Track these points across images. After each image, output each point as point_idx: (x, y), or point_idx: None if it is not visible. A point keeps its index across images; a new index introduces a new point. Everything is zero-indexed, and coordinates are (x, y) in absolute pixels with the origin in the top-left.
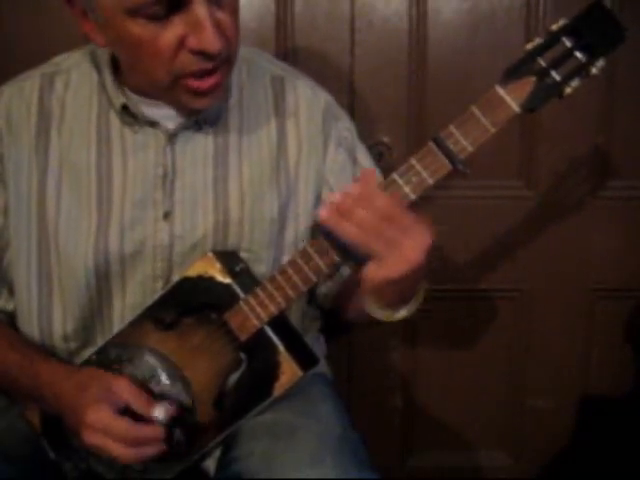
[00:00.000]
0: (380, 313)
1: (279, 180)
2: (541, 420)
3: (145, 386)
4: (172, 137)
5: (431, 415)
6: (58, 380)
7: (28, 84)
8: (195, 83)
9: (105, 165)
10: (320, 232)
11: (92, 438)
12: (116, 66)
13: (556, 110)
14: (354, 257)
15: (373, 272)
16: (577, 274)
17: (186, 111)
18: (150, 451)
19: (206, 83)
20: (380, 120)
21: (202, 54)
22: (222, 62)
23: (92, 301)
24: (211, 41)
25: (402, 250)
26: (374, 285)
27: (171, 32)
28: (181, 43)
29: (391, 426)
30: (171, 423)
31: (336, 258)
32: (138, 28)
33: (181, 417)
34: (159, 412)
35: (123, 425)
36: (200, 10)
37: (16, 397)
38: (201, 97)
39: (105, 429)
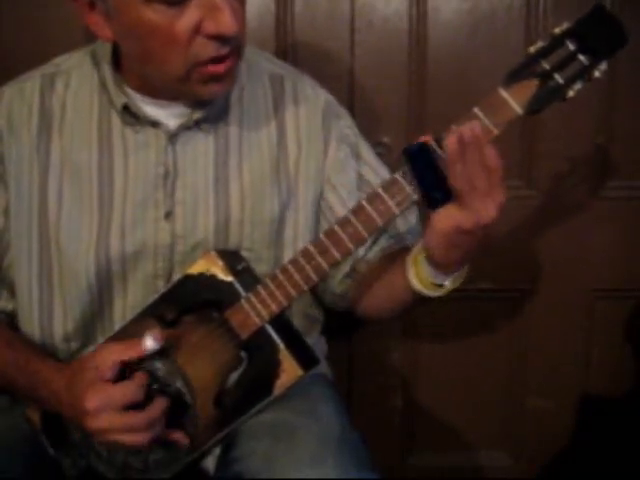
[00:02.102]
0: (428, 280)
1: (279, 179)
2: (541, 420)
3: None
4: (173, 137)
5: (431, 415)
6: (53, 379)
7: (29, 85)
8: (209, 68)
9: (106, 165)
10: (410, 157)
11: (97, 422)
12: (117, 65)
13: (556, 110)
14: (433, 194)
15: (450, 216)
16: (577, 274)
17: (194, 103)
18: (157, 409)
19: (220, 67)
20: (380, 120)
21: (219, 38)
22: (234, 49)
23: (93, 301)
24: (229, 23)
25: (484, 204)
26: (443, 230)
27: (187, 17)
28: (197, 28)
29: (391, 426)
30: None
31: (413, 191)
32: (154, 14)
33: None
34: (150, 342)
35: (121, 391)
36: None
37: (16, 396)
38: (214, 83)
39: (107, 405)
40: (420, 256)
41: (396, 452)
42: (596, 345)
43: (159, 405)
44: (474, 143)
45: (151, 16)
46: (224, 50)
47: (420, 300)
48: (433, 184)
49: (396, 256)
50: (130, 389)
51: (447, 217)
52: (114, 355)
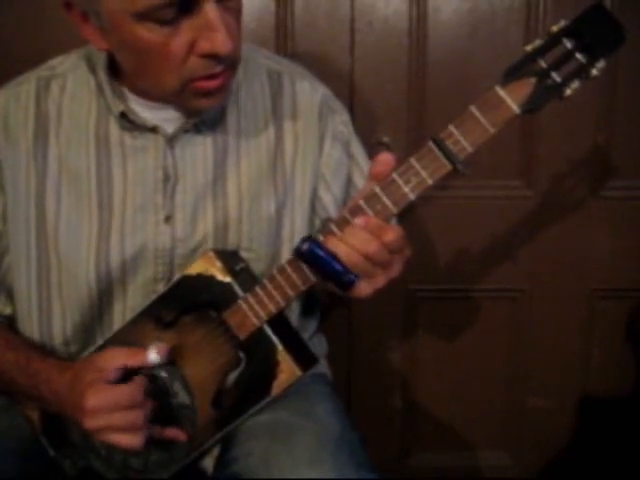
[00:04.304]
0: None
1: (276, 177)
2: (541, 420)
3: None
4: (171, 140)
5: (431, 415)
6: (55, 378)
7: (24, 88)
8: (203, 84)
9: (105, 170)
10: (304, 258)
11: (95, 422)
12: (113, 68)
13: (556, 110)
14: (345, 277)
15: (363, 290)
16: (577, 274)
17: (189, 112)
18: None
19: (213, 83)
20: (380, 120)
21: (213, 57)
22: (229, 66)
23: (93, 305)
24: (224, 43)
25: (392, 270)
26: (356, 297)
27: (182, 36)
28: (191, 47)
29: (391, 426)
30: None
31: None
32: (147, 33)
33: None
34: (153, 356)
35: (119, 392)
36: (212, 12)
37: (16, 396)
38: (207, 97)
39: (107, 405)
40: None
41: (396, 452)
42: (596, 345)
43: (151, 402)
44: (365, 236)
45: (145, 34)
46: (219, 68)
47: None
48: (339, 271)
49: None
50: (129, 391)
51: (364, 289)
52: (118, 360)
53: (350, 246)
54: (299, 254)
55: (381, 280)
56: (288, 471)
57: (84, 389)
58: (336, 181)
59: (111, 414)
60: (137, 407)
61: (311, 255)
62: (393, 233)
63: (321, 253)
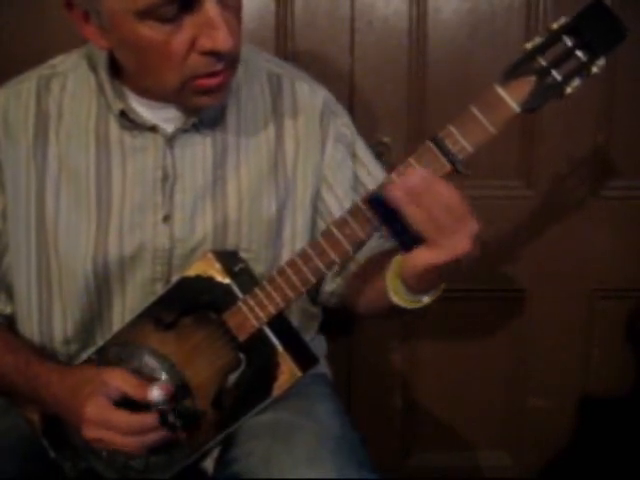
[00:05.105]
0: (405, 298)
1: (277, 179)
2: (541, 420)
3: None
4: (171, 140)
5: (431, 415)
6: (55, 382)
7: (25, 87)
8: (203, 81)
9: (104, 169)
10: (372, 205)
11: (93, 432)
12: (114, 67)
13: (556, 109)
14: (402, 238)
15: (422, 257)
16: (577, 274)
17: (189, 111)
18: (152, 438)
19: (214, 81)
20: (380, 120)
21: (213, 54)
22: (229, 63)
23: (92, 304)
24: (225, 40)
25: (455, 239)
26: (416, 269)
27: (183, 34)
28: (192, 45)
29: (391, 426)
30: (168, 407)
31: (380, 231)
32: (149, 31)
33: (178, 402)
34: (156, 394)
35: (122, 416)
36: (213, 10)
37: (16, 398)
38: (208, 95)
39: (104, 421)
40: (396, 277)
41: (396, 452)
42: (596, 345)
43: (157, 436)
44: (421, 188)
45: (146, 32)
46: (219, 65)
47: (404, 310)
48: (400, 229)
49: (384, 256)
50: (131, 420)
51: (419, 258)
52: (123, 384)
53: (411, 195)
54: (372, 202)
55: (442, 250)
56: (288, 471)
57: (85, 398)
58: (339, 183)
59: (109, 432)
60: (137, 435)
61: (376, 204)
62: (448, 188)
63: (382, 204)
